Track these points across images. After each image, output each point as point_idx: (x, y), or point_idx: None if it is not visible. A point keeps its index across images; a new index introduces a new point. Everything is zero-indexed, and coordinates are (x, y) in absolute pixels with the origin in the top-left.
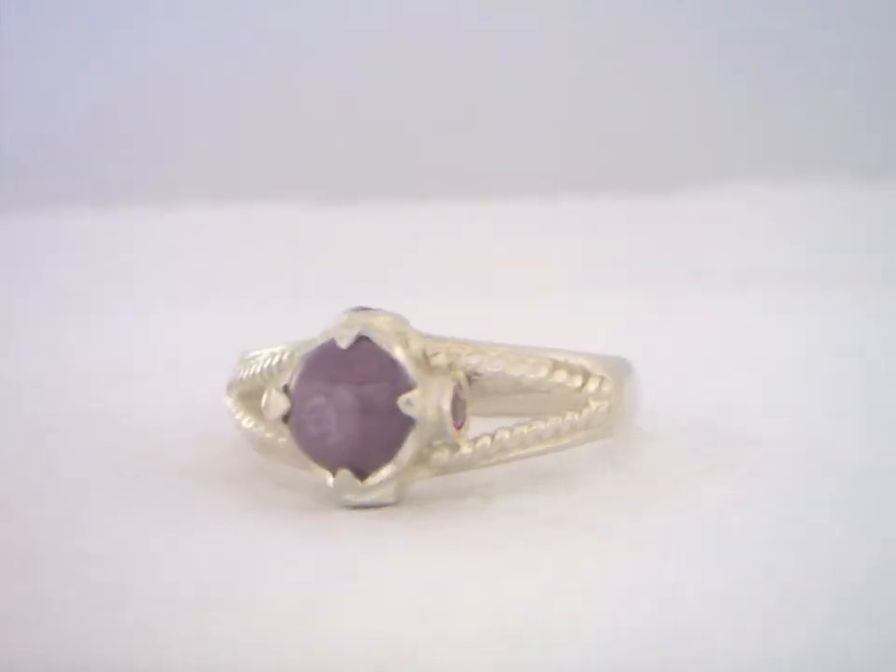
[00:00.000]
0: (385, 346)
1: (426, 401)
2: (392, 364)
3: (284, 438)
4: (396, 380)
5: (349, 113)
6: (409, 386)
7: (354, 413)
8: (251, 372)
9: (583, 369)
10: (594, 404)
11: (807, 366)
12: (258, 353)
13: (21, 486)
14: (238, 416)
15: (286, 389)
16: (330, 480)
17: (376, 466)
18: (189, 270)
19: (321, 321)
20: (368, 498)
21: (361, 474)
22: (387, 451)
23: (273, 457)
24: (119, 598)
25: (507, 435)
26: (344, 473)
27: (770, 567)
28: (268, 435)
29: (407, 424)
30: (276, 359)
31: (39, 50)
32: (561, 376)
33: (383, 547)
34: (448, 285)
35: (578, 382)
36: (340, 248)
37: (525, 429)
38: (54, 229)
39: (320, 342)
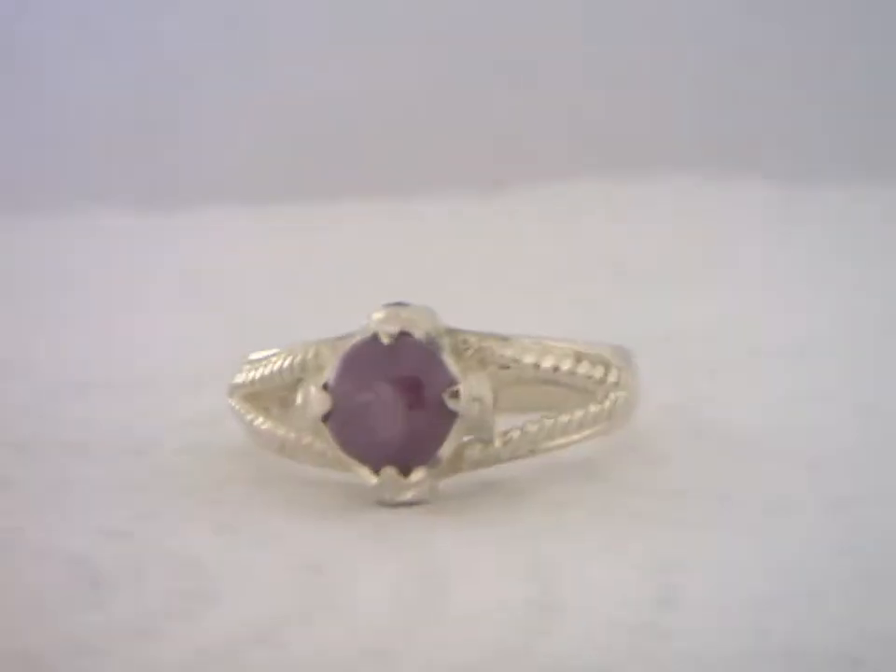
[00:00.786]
0: (426, 342)
1: (469, 396)
2: (434, 359)
3: (310, 438)
4: (440, 375)
5: (337, 113)
6: (451, 381)
7: (402, 409)
8: (263, 373)
9: (602, 359)
10: (614, 395)
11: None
12: (266, 354)
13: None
14: (249, 418)
15: (325, 387)
16: (374, 478)
17: (419, 462)
18: (183, 274)
19: (315, 321)
20: (408, 496)
21: (403, 471)
22: (431, 447)
23: (296, 458)
24: (199, 611)
25: (535, 428)
26: (389, 471)
27: (839, 540)
28: (291, 435)
29: (450, 419)
30: (298, 358)
31: (35, 53)
32: (585, 367)
33: (447, 543)
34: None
35: (600, 372)
36: (330, 248)
37: (552, 422)
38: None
39: (359, 338)
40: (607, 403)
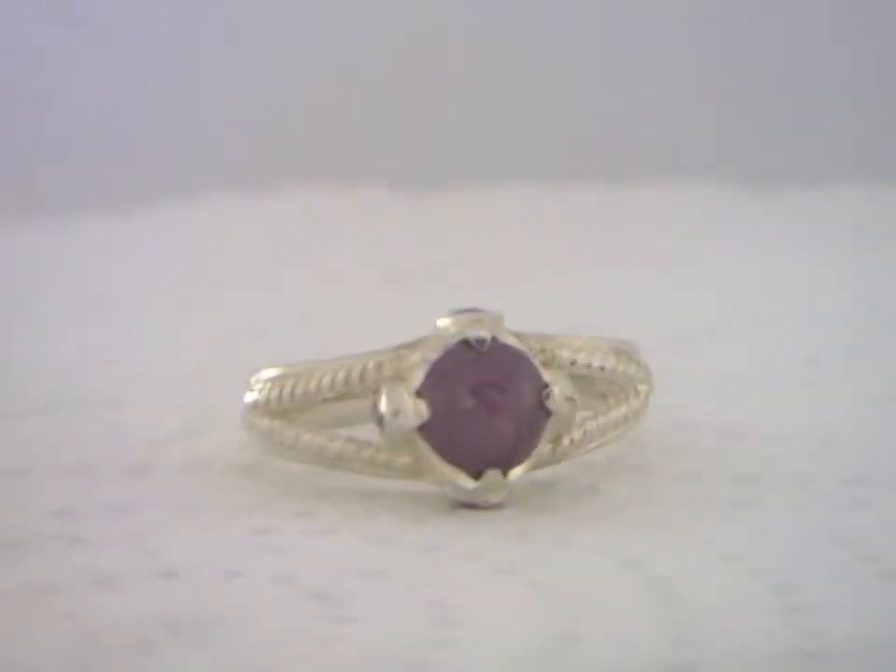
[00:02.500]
0: (517, 345)
1: (562, 396)
2: (526, 362)
3: (371, 449)
4: (533, 377)
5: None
6: (543, 383)
7: (508, 412)
8: (307, 389)
9: (629, 354)
10: (643, 388)
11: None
12: (285, 371)
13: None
14: (291, 433)
15: (418, 395)
16: (471, 482)
17: (516, 464)
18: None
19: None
20: (499, 497)
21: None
22: (529, 448)
23: (352, 469)
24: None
25: (593, 425)
26: (493, 473)
27: None
28: (350, 447)
29: (545, 419)
30: (355, 371)
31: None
32: (624, 363)
33: (599, 538)
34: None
35: (634, 368)
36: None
37: (605, 419)
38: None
39: (445, 344)
40: (641, 398)
